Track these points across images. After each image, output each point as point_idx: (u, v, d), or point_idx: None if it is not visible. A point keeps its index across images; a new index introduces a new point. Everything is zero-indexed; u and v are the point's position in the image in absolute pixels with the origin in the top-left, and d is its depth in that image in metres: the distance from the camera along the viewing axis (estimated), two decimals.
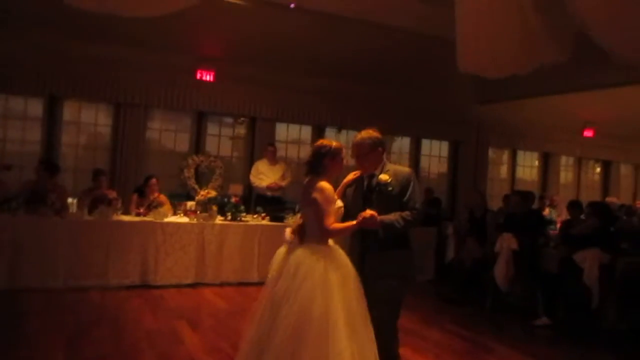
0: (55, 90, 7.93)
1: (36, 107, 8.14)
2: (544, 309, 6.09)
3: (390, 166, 3.50)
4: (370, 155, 3.48)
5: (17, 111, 8.11)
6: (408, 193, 3.36)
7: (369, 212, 3.21)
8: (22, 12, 6.77)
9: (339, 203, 3.42)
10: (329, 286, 3.10)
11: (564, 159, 12.96)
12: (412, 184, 3.39)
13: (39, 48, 7.51)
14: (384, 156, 3.54)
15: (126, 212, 6.97)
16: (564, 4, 4.07)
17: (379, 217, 3.22)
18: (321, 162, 3.38)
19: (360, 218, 3.20)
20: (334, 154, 3.40)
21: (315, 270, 3.13)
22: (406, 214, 3.32)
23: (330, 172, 3.40)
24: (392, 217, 3.30)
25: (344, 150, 3.48)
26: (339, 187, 3.59)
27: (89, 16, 5.25)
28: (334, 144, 3.46)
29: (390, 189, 3.37)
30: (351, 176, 3.61)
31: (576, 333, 5.85)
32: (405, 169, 3.52)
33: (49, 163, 6.80)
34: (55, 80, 7.81)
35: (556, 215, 9.83)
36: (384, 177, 3.42)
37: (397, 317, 3.43)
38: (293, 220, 7.32)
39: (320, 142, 3.51)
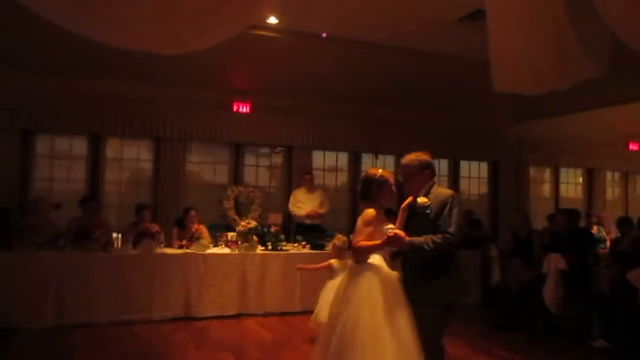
0: (97, 129, 8.21)
1: (80, 146, 8.43)
2: (600, 331, 5.83)
3: (436, 189, 3.49)
4: (416, 177, 3.52)
5: (63, 151, 8.41)
6: (443, 215, 3.32)
7: (394, 232, 3.27)
8: (60, 54, 7.07)
9: (390, 225, 3.47)
10: (374, 296, 3.27)
11: (609, 175, 12.54)
12: (448, 206, 3.33)
13: (81, 89, 7.81)
14: (434, 179, 3.56)
15: (168, 245, 7.08)
16: (598, 16, 3.99)
17: (409, 239, 3.25)
18: (368, 191, 3.54)
19: (385, 238, 3.25)
20: (380, 183, 3.53)
21: (360, 283, 3.32)
22: (437, 236, 3.26)
23: (379, 200, 3.53)
24: (421, 239, 3.27)
25: (391, 178, 3.57)
26: (399, 213, 3.65)
27: (127, 57, 5.43)
28: (380, 172, 3.58)
29: (427, 211, 3.36)
30: (406, 201, 3.62)
31: (634, 355, 5.57)
32: (446, 192, 3.46)
33: (82, 198, 7.01)
34: (98, 119, 8.10)
35: (605, 232, 9.49)
36: (421, 199, 3.42)
37: (438, 344, 3.34)
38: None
39: (368, 171, 3.67)
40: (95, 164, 8.38)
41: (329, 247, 6.12)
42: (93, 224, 6.60)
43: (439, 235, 3.26)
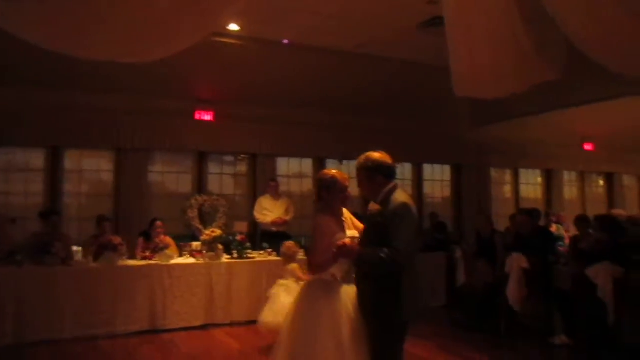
0: (56, 141, 8.00)
1: (38, 159, 8.19)
2: (562, 327, 5.98)
3: (395, 195, 3.11)
4: (367, 181, 3.21)
5: (20, 163, 8.15)
6: (392, 228, 2.98)
7: (342, 242, 3.07)
8: (19, 66, 6.88)
9: (354, 233, 3.30)
10: (315, 314, 3.16)
11: (566, 175, 12.93)
12: (397, 218, 3.00)
13: (38, 100, 7.60)
14: (393, 183, 3.19)
15: (132, 256, 6.93)
16: (555, 23, 4.12)
17: (358, 250, 3.05)
18: (320, 193, 3.35)
19: (334, 248, 3.06)
20: (330, 185, 3.32)
21: (312, 301, 3.24)
22: (384, 250, 2.92)
23: (332, 203, 3.32)
24: (370, 251, 3.01)
25: (344, 179, 3.35)
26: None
27: (85, 66, 5.33)
28: (331, 173, 3.38)
29: (378, 219, 3.07)
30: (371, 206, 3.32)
31: (595, 350, 5.73)
32: (399, 200, 3.07)
33: (43, 211, 6.82)
34: (56, 131, 7.88)
35: (564, 231, 9.76)
36: (372, 206, 3.18)
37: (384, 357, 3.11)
38: None
39: (320, 173, 3.47)
40: (54, 176, 8.15)
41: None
42: (53, 237, 6.41)
43: (385, 250, 2.92)
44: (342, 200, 3.36)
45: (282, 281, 5.67)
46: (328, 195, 3.33)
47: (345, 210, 3.47)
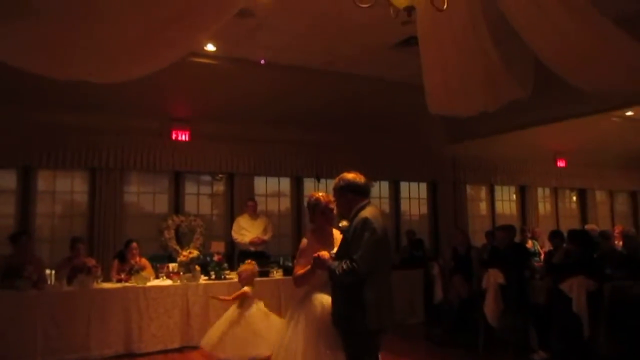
0: (28, 161, 7.86)
1: (9, 180, 8.03)
2: (538, 342, 6.03)
3: (363, 211, 3.31)
4: (340, 199, 3.45)
5: None
6: (353, 242, 3.21)
7: (316, 254, 3.31)
8: None
9: (323, 252, 3.45)
10: (291, 327, 3.48)
11: (540, 191, 13.15)
12: (357, 232, 3.20)
13: (9, 120, 7.49)
14: (365, 200, 3.40)
15: (107, 279, 6.80)
16: (525, 44, 4.24)
17: (328, 262, 3.26)
18: (310, 214, 3.70)
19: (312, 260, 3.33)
20: (313, 206, 3.65)
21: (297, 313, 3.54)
22: (346, 262, 3.15)
23: (318, 222, 3.64)
24: (336, 263, 3.23)
25: (327, 200, 3.63)
26: None
27: (58, 86, 5.27)
28: (315, 195, 3.67)
29: (346, 235, 3.33)
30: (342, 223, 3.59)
31: None
32: (361, 215, 3.27)
33: (12, 234, 6.67)
34: (28, 150, 7.76)
35: (539, 246, 9.89)
36: (342, 223, 3.44)
37: None
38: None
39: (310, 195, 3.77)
40: (26, 197, 8.00)
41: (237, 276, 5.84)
42: (24, 260, 6.26)
43: (347, 261, 3.14)
44: (327, 220, 3.64)
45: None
46: (313, 215, 3.66)
47: (335, 230, 3.72)
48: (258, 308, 5.35)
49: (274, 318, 5.28)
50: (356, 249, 3.16)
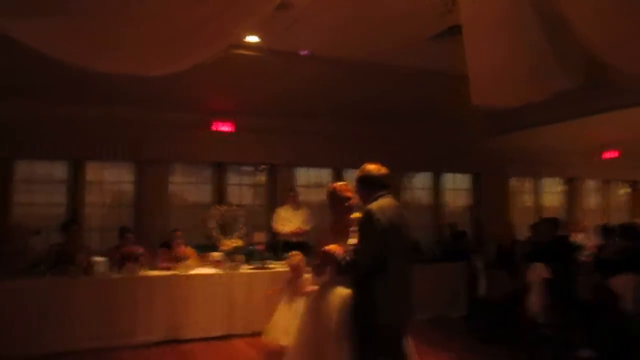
0: (77, 153, 8.14)
1: (60, 171, 8.34)
2: (585, 339, 5.87)
3: (376, 202, 3.28)
4: (360, 191, 3.46)
5: (42, 175, 8.31)
6: (359, 233, 3.22)
7: (324, 249, 3.30)
8: (38, 80, 7.02)
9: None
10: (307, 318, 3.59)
11: (588, 183, 12.74)
12: (361, 224, 3.23)
13: (60, 113, 7.76)
14: (381, 192, 3.35)
15: (153, 267, 6.99)
16: (574, 32, 4.09)
17: (336, 256, 3.24)
18: (329, 205, 3.76)
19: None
20: (330, 198, 3.73)
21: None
22: (350, 255, 3.19)
23: (335, 212, 3.69)
24: (342, 255, 3.23)
25: (341, 189, 3.70)
26: None
27: (105, 81, 5.42)
28: (331, 187, 3.77)
29: (359, 227, 3.31)
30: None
31: None
32: (368, 207, 3.26)
33: (63, 223, 6.93)
34: (77, 143, 8.04)
35: (585, 240, 9.60)
36: (355, 215, 3.47)
37: None
38: None
39: None
40: (76, 188, 8.29)
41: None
42: (74, 248, 6.50)
43: (351, 254, 3.19)
44: (343, 210, 3.64)
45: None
46: (332, 206, 3.70)
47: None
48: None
49: None
50: (359, 242, 3.17)
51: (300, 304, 5.22)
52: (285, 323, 5.15)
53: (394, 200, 3.37)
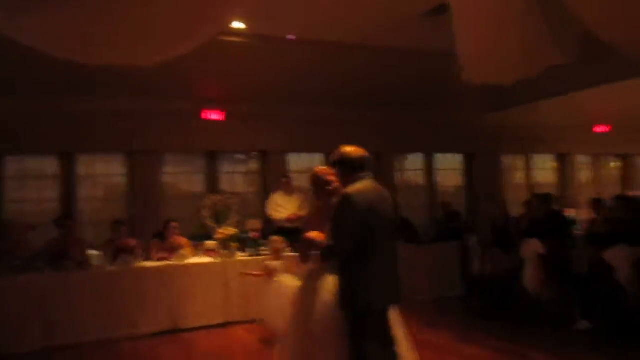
0: (68, 147, 8.07)
1: (51, 166, 8.26)
2: (581, 312, 5.94)
3: (355, 185, 3.22)
4: (337, 174, 3.42)
5: (33, 170, 8.24)
6: (334, 217, 3.16)
7: (306, 235, 3.30)
8: (26, 74, 6.94)
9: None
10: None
11: (580, 158, 12.80)
12: (338, 207, 3.16)
13: (48, 107, 7.66)
14: (359, 174, 3.29)
15: (148, 258, 6.98)
16: (566, 5, 4.06)
17: (316, 242, 3.23)
18: (313, 189, 3.78)
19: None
20: (314, 181, 3.73)
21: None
22: (329, 240, 3.19)
23: (317, 197, 3.72)
24: (324, 241, 3.22)
25: (323, 175, 3.68)
26: None
27: (92, 72, 5.35)
28: (313, 171, 3.79)
29: (335, 211, 3.22)
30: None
31: (616, 334, 5.68)
32: (345, 190, 3.21)
33: (57, 218, 6.91)
34: (67, 137, 7.94)
35: (579, 215, 9.68)
36: (334, 200, 3.38)
37: (359, 351, 3.12)
38: None
39: None
40: (68, 182, 8.23)
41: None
42: (69, 243, 6.48)
43: (329, 239, 3.18)
44: (329, 194, 3.56)
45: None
46: (315, 192, 3.67)
47: None
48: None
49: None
50: (336, 227, 3.13)
51: (278, 285, 5.49)
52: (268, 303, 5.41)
53: (374, 183, 3.31)
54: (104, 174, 8.70)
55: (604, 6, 3.93)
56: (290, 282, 5.42)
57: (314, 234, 3.27)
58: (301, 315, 3.43)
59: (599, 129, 11.94)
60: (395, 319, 3.48)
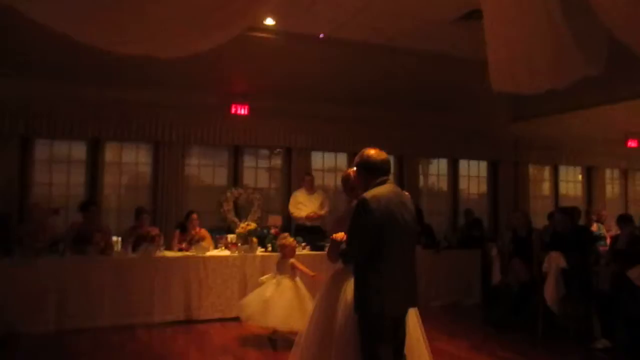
0: (96, 134, 8.21)
1: (79, 151, 8.42)
2: (602, 330, 5.82)
3: (374, 190, 3.20)
4: (359, 177, 3.41)
5: (62, 155, 8.40)
6: (351, 222, 3.17)
7: (333, 236, 3.32)
8: (57, 60, 7.08)
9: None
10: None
11: (608, 172, 12.53)
12: (354, 212, 3.16)
13: (79, 94, 7.82)
14: (381, 178, 3.27)
15: (169, 248, 7.07)
16: (595, 16, 3.98)
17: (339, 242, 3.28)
18: (344, 190, 3.87)
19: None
20: (345, 183, 3.84)
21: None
22: (345, 243, 3.24)
23: (350, 198, 3.78)
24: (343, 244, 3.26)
25: (347, 173, 3.81)
26: None
27: (122, 62, 5.44)
28: (346, 172, 3.89)
29: (352, 216, 3.23)
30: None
31: (635, 354, 5.55)
32: (363, 195, 3.17)
33: (82, 204, 7.03)
34: (96, 124, 8.11)
35: (605, 230, 9.48)
36: (353, 202, 3.43)
37: (372, 354, 3.11)
38: None
39: None
40: (94, 168, 8.37)
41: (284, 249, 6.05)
42: (92, 228, 6.59)
43: (345, 243, 3.22)
44: (357, 196, 3.51)
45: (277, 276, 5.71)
46: (346, 192, 3.82)
47: None
48: (295, 282, 5.60)
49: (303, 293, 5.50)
50: (350, 231, 3.15)
51: (286, 284, 5.49)
52: (268, 303, 5.41)
53: (394, 187, 3.30)
54: (130, 162, 8.82)
55: (636, 20, 3.84)
56: (288, 283, 5.53)
57: (340, 235, 3.28)
58: (323, 315, 3.45)
59: (632, 143, 11.67)
60: (414, 323, 3.48)
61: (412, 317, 3.48)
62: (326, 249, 3.62)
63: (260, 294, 5.63)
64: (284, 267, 5.71)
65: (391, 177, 3.40)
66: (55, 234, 6.63)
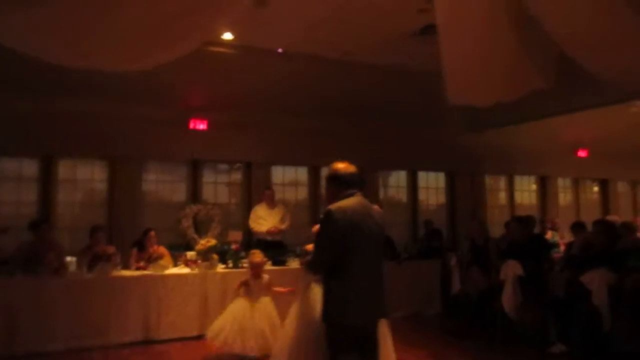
0: (49, 150, 7.96)
1: (31, 168, 8.15)
2: (557, 335, 5.96)
3: (341, 202, 3.23)
4: (328, 189, 3.42)
5: (12, 172, 8.11)
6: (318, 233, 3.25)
7: (305, 246, 3.48)
8: (8, 76, 6.86)
9: None
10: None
11: (561, 181, 12.96)
12: (321, 223, 3.22)
13: (31, 109, 7.58)
14: (350, 191, 3.30)
15: (126, 267, 6.88)
16: (546, 33, 4.14)
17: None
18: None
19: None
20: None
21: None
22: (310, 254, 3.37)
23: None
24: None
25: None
26: None
27: (78, 75, 5.31)
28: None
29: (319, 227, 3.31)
30: None
31: (590, 357, 5.70)
32: (329, 207, 3.22)
33: (32, 222, 6.77)
34: (49, 140, 7.87)
35: (559, 238, 9.76)
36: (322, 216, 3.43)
37: None
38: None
39: None
40: (47, 185, 8.11)
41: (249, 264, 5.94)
42: (43, 247, 6.36)
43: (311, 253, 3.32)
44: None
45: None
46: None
47: None
48: (267, 302, 5.49)
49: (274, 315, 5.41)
50: (315, 242, 3.23)
51: (263, 304, 5.36)
52: (244, 324, 5.29)
53: (362, 199, 3.31)
54: (85, 179, 8.59)
55: (583, 35, 4.01)
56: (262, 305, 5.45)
57: (311, 246, 3.36)
58: (297, 325, 3.51)
59: (582, 152, 12.12)
60: (383, 335, 3.49)
61: (383, 329, 3.49)
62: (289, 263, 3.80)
63: (233, 316, 5.45)
64: (258, 286, 5.55)
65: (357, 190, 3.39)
66: (4, 254, 6.36)
